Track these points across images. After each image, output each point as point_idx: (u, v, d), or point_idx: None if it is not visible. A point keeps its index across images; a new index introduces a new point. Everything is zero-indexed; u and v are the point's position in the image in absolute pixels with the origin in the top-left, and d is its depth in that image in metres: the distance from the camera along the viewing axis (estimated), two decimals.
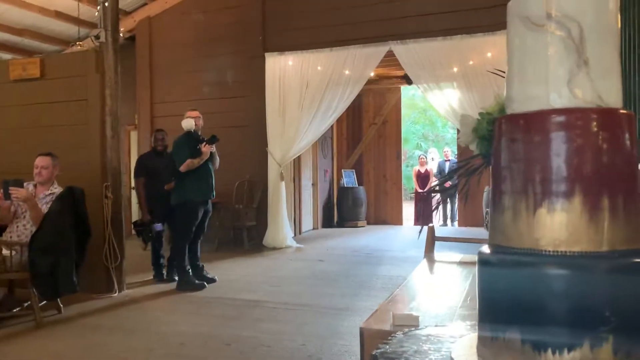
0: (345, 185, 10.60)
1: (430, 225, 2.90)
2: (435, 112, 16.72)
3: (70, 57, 6.00)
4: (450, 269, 2.47)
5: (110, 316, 4.43)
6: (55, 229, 4.12)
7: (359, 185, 10.77)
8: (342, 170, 10.83)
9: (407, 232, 10.06)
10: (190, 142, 5.23)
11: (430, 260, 2.71)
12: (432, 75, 7.26)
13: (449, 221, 11.01)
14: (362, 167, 11.11)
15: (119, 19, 5.32)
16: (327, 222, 10.51)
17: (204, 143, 5.22)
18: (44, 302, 4.26)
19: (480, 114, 1.02)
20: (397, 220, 11.04)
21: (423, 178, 11.29)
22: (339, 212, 10.66)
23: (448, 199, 11.02)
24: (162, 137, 5.78)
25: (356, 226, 10.34)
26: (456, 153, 13.50)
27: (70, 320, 4.31)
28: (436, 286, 2.14)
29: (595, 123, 0.84)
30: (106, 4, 5.12)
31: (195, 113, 5.40)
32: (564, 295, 0.82)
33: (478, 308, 0.96)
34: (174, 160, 5.25)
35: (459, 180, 1.08)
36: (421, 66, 7.28)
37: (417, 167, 11.74)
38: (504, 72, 1.04)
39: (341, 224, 10.49)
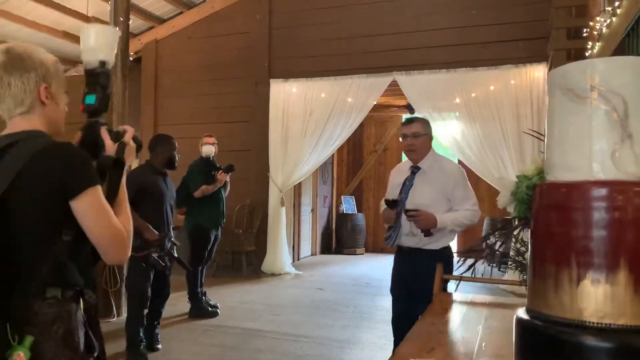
0: (344, 212, 10.58)
1: (439, 264, 2.89)
2: (435, 141, 16.76)
3: (77, 79, 6.02)
4: (460, 309, 2.46)
5: (111, 343, 4.36)
6: None
7: (358, 212, 10.74)
8: (342, 196, 10.82)
9: None
10: (205, 168, 5.25)
11: (440, 299, 2.69)
12: (434, 106, 7.33)
13: None
14: (362, 193, 11.11)
15: (129, 43, 5.37)
16: (325, 249, 10.46)
17: (220, 171, 5.24)
18: None
19: (518, 177, 1.04)
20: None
21: None
22: (338, 238, 10.62)
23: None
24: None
25: (354, 253, 10.27)
26: None
27: None
28: (449, 329, 2.13)
29: (639, 196, 0.86)
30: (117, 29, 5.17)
31: (212, 139, 5.41)
32: None
33: None
34: (186, 184, 5.22)
35: (496, 241, 1.09)
36: (424, 96, 7.36)
37: None
38: (539, 134, 1.06)
39: (339, 250, 10.43)
